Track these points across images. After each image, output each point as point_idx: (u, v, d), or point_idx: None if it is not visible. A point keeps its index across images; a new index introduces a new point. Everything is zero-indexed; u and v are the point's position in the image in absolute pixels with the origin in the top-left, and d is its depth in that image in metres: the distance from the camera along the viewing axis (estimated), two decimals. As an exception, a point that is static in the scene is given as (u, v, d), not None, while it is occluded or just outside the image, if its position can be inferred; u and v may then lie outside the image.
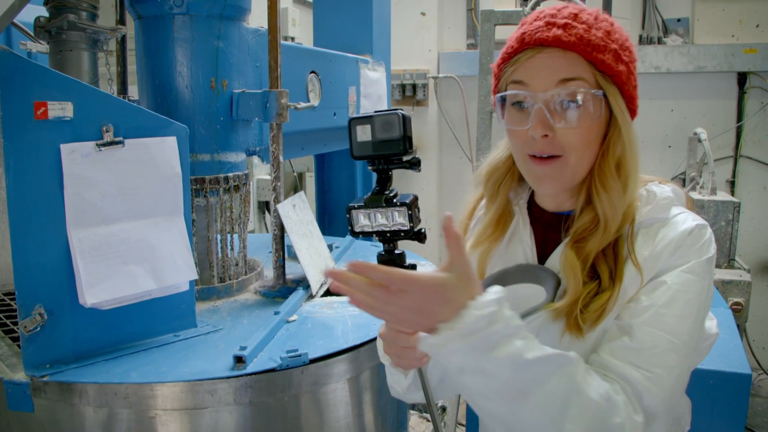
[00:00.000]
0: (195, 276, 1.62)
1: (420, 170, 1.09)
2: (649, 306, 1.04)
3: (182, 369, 1.43)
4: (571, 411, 0.91)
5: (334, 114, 2.62)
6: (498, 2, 4.80)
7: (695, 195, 3.56)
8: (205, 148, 1.90)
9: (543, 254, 1.21)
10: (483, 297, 0.90)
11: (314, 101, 2.42)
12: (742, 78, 4.36)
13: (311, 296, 1.95)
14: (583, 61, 1.07)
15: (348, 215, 1.02)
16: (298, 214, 2.08)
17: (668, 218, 1.12)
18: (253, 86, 1.99)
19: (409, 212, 0.99)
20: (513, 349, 0.89)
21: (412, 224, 0.99)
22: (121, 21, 2.01)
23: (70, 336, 1.46)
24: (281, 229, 1.97)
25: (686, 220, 1.11)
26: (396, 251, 1.04)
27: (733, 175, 4.52)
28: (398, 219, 1.00)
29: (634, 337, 1.03)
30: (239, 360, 1.43)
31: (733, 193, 4.46)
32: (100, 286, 1.45)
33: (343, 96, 2.69)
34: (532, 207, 1.27)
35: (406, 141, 1.00)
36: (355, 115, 1.01)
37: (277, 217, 1.96)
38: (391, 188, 1.03)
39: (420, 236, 1.02)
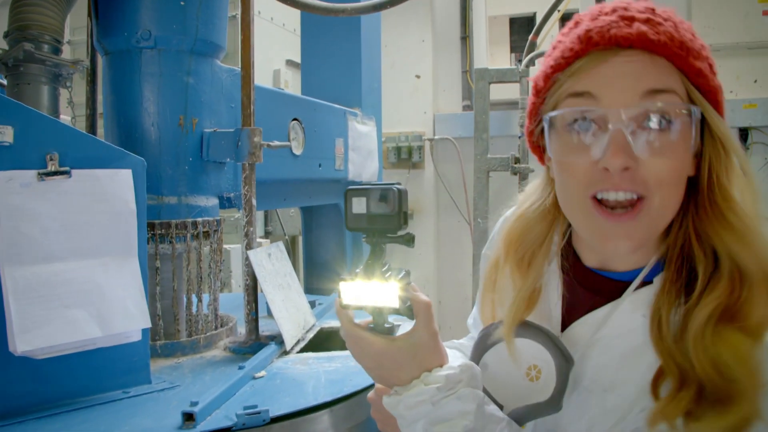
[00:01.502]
0: (148, 324, 1.45)
1: (413, 246, 1.01)
2: None
3: (122, 428, 1.24)
4: None
5: (320, 165, 2.51)
6: (492, 61, 4.79)
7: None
8: (171, 191, 1.76)
9: (568, 315, 0.95)
10: (438, 370, 0.87)
11: (297, 149, 2.31)
12: (743, 134, 4.27)
13: (285, 352, 1.76)
14: (674, 70, 0.80)
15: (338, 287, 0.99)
16: (274, 264, 1.93)
17: None
18: (227, 127, 1.87)
19: (400, 290, 0.94)
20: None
21: (401, 302, 0.94)
22: (92, 60, 1.93)
23: (-3, 389, 1.28)
24: (254, 279, 1.81)
25: None
26: (386, 324, 0.98)
27: (741, 235, 4.37)
28: (388, 296, 0.94)
29: None
30: (189, 417, 1.25)
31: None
32: (35, 332, 1.28)
33: (329, 147, 2.58)
34: (567, 256, 0.98)
35: (401, 216, 0.96)
36: (352, 186, 0.99)
37: (249, 266, 1.80)
38: (384, 262, 0.98)
39: (410, 313, 0.95)
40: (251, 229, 1.81)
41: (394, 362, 0.90)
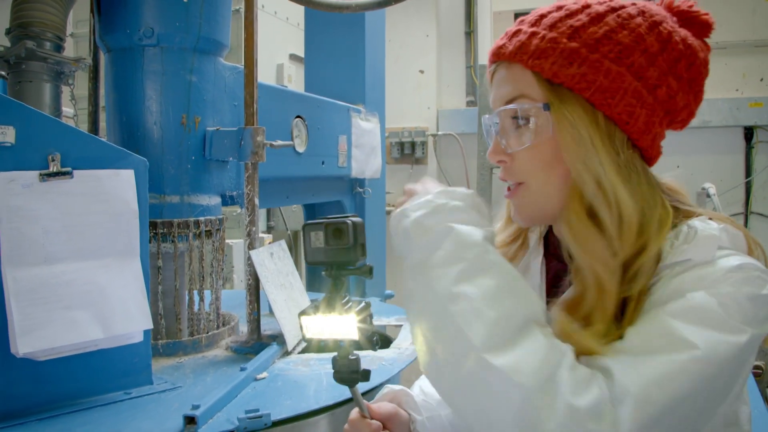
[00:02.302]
0: (150, 325, 1.45)
1: (372, 277, 1.04)
2: (654, 317, 0.80)
3: (123, 430, 1.24)
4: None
5: (323, 162, 2.49)
6: (497, 60, 4.77)
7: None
8: (174, 189, 1.75)
9: (554, 289, 1.01)
10: None
11: (300, 147, 2.30)
12: (748, 133, 4.25)
13: (287, 353, 1.76)
14: (527, 73, 0.91)
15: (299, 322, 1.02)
16: (276, 263, 1.92)
17: (708, 260, 0.83)
18: (230, 125, 1.86)
19: (358, 323, 0.98)
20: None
21: (360, 334, 0.99)
22: (95, 56, 1.91)
23: (-2, 391, 1.28)
24: (255, 278, 1.80)
25: (737, 260, 0.83)
26: (350, 356, 1.01)
27: (744, 234, 4.35)
28: (347, 328, 0.99)
29: (628, 336, 0.80)
30: (190, 420, 1.24)
31: (744, 253, 4.28)
32: (37, 333, 1.27)
33: (332, 144, 2.57)
34: (550, 237, 1.08)
35: (358, 249, 0.99)
36: (309, 221, 1.02)
37: (251, 265, 1.79)
38: (344, 294, 1.01)
39: (371, 343, 1.01)
40: (254, 228, 1.80)
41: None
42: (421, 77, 4.95)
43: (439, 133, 4.92)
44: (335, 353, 1.02)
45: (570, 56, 0.88)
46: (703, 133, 4.37)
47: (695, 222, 0.89)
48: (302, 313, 1.01)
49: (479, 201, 0.91)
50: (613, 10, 0.90)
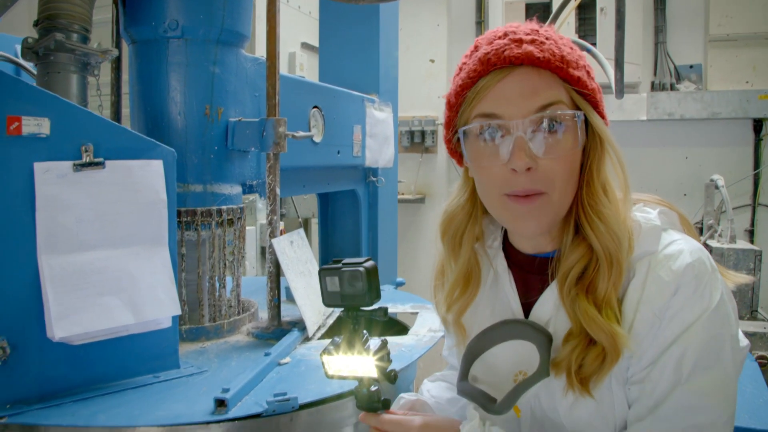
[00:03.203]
0: (178, 311, 1.49)
1: (386, 319, 1.09)
2: (672, 383, 0.92)
3: (157, 412, 1.28)
4: None
5: (338, 152, 2.53)
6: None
7: (714, 243, 3.41)
8: (197, 179, 1.79)
9: (527, 301, 1.08)
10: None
11: (317, 137, 2.33)
12: (758, 124, 4.26)
13: (308, 338, 1.80)
14: (558, 81, 0.96)
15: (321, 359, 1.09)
16: (296, 251, 1.96)
17: (656, 251, 0.97)
18: (250, 116, 1.90)
19: (377, 361, 1.03)
20: None
21: (379, 372, 1.05)
22: (117, 46, 1.95)
23: (35, 373, 1.32)
24: (276, 266, 1.85)
25: (680, 253, 0.96)
26: (371, 388, 1.09)
27: (752, 224, 4.38)
28: (367, 368, 1.04)
29: (661, 417, 0.92)
30: (221, 403, 1.29)
31: (752, 244, 4.30)
32: (71, 319, 1.32)
33: (347, 134, 2.60)
34: (507, 250, 1.13)
35: (372, 293, 1.03)
36: (325, 266, 1.07)
37: (273, 253, 1.83)
38: (362, 334, 1.06)
39: (389, 377, 1.07)
40: (275, 217, 1.84)
41: None
42: (432, 66, 4.97)
43: (449, 122, 4.94)
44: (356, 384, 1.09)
45: (586, 70, 0.98)
46: (712, 125, 4.39)
47: (636, 214, 1.01)
48: (324, 351, 1.07)
49: None
50: (562, 36, 1.01)
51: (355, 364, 1.04)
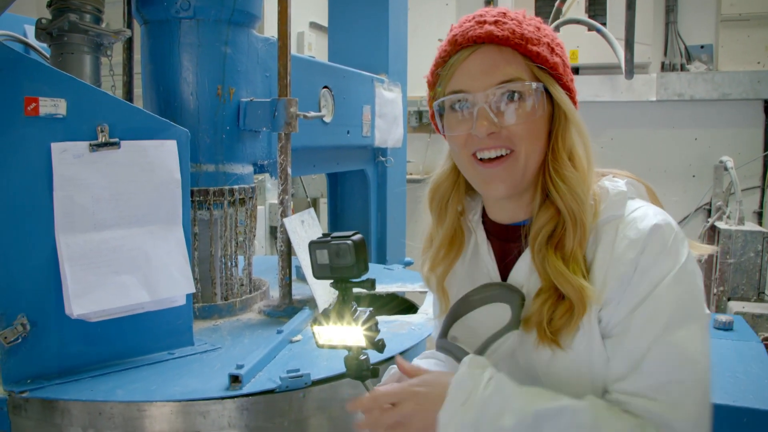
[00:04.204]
0: (192, 289, 1.52)
1: (373, 290, 1.12)
2: (650, 339, 0.97)
3: (173, 388, 1.31)
4: None
5: (348, 132, 2.54)
6: (517, 29, 4.74)
7: (722, 225, 3.42)
8: (209, 159, 1.81)
9: (505, 268, 1.14)
10: (461, 367, 1.03)
11: (327, 117, 2.34)
12: (768, 106, 4.24)
13: (318, 317, 1.83)
14: (519, 56, 1.04)
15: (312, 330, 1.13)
16: (307, 230, 1.98)
17: (623, 215, 1.04)
18: (262, 96, 1.91)
19: (365, 331, 1.07)
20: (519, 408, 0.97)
21: (367, 341, 1.08)
22: (129, 26, 1.96)
23: (55, 349, 1.35)
24: (288, 245, 1.87)
25: (646, 215, 1.02)
26: (360, 357, 1.12)
27: (761, 206, 4.37)
28: (355, 337, 1.08)
29: (644, 372, 0.97)
30: (235, 379, 1.32)
31: (761, 226, 4.30)
32: (89, 297, 1.34)
33: (357, 114, 2.61)
34: (486, 222, 1.20)
35: (360, 265, 1.07)
36: (314, 239, 1.11)
37: (284, 232, 1.86)
38: (351, 305, 1.10)
39: (378, 346, 1.10)
40: (286, 197, 1.86)
41: (425, 383, 1.08)
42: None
43: (457, 102, 4.92)
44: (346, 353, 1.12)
45: (549, 46, 1.06)
46: (722, 106, 4.36)
47: (604, 182, 1.08)
48: (315, 322, 1.11)
49: None
50: (533, 18, 1.09)
51: (344, 333, 1.09)
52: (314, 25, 4.39)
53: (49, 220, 1.32)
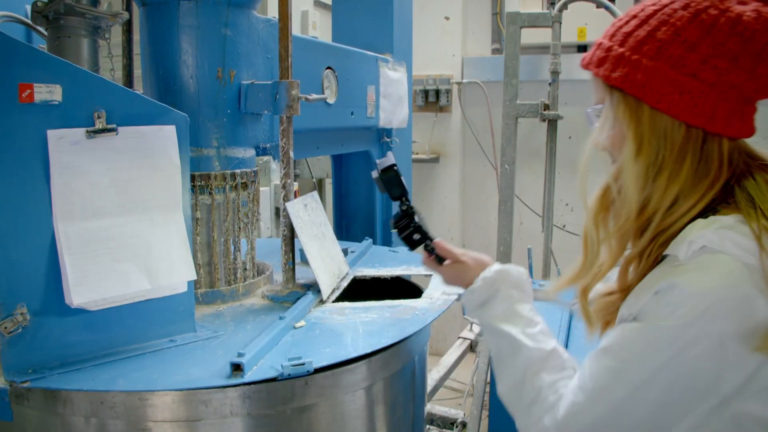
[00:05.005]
0: (193, 276, 1.50)
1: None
2: (617, 338, 1.04)
3: (174, 377, 1.31)
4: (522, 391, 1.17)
5: (352, 113, 2.51)
6: (524, 5, 4.67)
7: None
8: (210, 143, 1.79)
9: None
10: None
11: (330, 98, 2.31)
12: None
13: (322, 301, 1.82)
14: (599, 79, 1.09)
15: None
16: (310, 214, 1.96)
17: (678, 258, 0.98)
18: (263, 78, 1.88)
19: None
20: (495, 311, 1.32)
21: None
22: (128, 9, 1.93)
23: (55, 339, 1.34)
24: (290, 229, 1.85)
25: (694, 273, 0.94)
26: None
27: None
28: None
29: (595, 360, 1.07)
30: (236, 368, 1.30)
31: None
32: (89, 285, 1.33)
33: (361, 95, 2.58)
34: None
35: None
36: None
37: (287, 216, 1.84)
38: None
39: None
40: (289, 180, 1.84)
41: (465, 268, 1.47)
42: (447, 24, 4.88)
43: (464, 80, 4.87)
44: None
45: (616, 61, 1.02)
46: None
47: (699, 220, 0.98)
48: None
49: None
50: (663, 7, 1.00)
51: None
52: (318, 4, 4.34)
53: (47, 208, 1.31)
